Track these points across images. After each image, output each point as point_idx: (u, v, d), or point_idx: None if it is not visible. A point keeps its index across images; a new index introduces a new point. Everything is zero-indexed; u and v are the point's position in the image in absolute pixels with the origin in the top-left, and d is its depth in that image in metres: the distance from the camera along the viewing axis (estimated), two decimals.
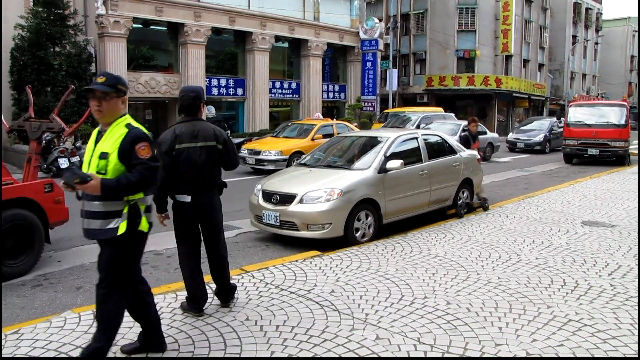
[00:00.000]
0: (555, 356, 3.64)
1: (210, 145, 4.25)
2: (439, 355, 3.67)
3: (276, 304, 4.62)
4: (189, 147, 4.18)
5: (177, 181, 4.22)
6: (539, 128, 23.92)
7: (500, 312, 4.42)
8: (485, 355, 3.66)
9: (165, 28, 23.19)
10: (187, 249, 4.38)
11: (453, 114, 23.28)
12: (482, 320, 4.25)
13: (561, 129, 23.03)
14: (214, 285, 4.60)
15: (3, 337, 3.96)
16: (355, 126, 23.16)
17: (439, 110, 25.80)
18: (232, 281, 4.70)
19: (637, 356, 3.69)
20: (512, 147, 23.32)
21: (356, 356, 3.66)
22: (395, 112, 25.38)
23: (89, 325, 4.16)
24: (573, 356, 3.65)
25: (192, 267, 4.35)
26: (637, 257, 6.02)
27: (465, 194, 8.89)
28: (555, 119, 26.03)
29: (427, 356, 3.66)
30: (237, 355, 3.70)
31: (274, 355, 3.68)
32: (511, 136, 24.69)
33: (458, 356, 3.66)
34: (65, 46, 18.61)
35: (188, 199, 4.23)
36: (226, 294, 4.59)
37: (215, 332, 4.06)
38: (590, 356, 3.65)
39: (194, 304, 4.39)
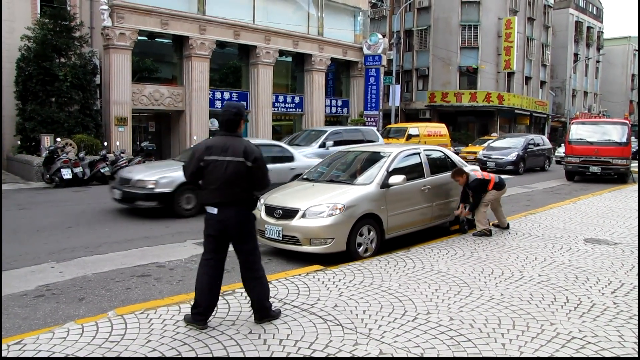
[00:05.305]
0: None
1: (237, 160, 4.29)
2: None
3: (279, 317, 4.62)
4: (217, 159, 4.27)
5: (205, 192, 4.36)
6: (513, 146, 21.62)
7: (504, 328, 4.41)
8: None
9: (170, 41, 23.35)
10: (207, 257, 4.46)
11: (374, 128, 20.70)
12: (485, 336, 4.24)
13: (538, 148, 22.51)
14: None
15: (5, 347, 3.96)
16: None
17: (441, 126, 25.90)
18: (267, 301, 4.55)
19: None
20: (482, 167, 21.70)
21: None
22: (396, 128, 25.45)
23: (92, 336, 4.16)
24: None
25: (207, 275, 4.40)
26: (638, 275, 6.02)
27: (467, 210, 8.87)
28: (532, 136, 23.73)
29: None
30: None
31: None
32: (481, 154, 22.14)
33: None
34: (70, 57, 18.76)
35: (215, 211, 4.33)
36: (257, 312, 4.54)
37: (219, 345, 4.05)
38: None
39: (198, 313, 4.38)
